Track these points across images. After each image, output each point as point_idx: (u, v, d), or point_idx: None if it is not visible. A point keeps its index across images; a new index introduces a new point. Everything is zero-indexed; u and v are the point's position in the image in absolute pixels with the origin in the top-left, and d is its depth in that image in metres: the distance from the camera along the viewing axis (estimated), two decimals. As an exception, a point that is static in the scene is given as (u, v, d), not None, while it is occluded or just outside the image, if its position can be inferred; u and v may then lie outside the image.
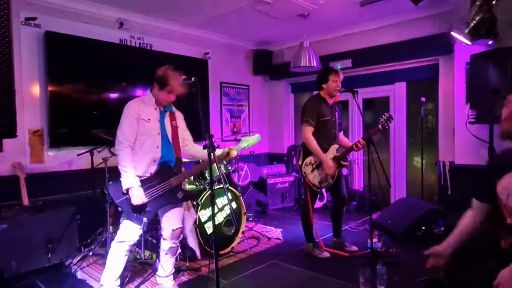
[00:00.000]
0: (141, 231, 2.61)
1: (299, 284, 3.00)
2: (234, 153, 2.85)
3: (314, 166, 3.42)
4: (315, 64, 4.88)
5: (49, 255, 3.31)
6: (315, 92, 4.59)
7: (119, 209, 2.60)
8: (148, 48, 4.91)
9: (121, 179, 2.48)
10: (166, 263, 2.79)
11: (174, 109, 2.82)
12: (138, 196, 2.46)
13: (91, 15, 4.30)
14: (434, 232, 3.91)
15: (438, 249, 1.81)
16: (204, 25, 5.23)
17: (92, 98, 4.31)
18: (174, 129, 2.75)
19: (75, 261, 3.41)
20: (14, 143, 3.74)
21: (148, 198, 2.51)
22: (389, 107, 5.33)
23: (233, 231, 3.73)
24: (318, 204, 5.31)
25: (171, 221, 2.71)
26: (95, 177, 3.88)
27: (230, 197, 3.78)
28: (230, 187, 3.87)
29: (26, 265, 3.17)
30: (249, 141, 2.87)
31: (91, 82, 4.30)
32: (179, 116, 2.87)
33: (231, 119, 6.12)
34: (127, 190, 2.46)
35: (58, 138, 4.02)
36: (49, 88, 3.94)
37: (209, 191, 3.55)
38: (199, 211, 3.46)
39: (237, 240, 3.78)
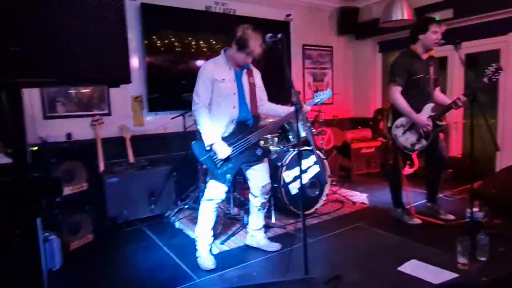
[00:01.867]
0: (226, 189, 2.70)
1: (387, 248, 2.91)
2: (307, 108, 2.80)
3: (405, 128, 3.17)
4: (408, 17, 4.41)
5: (152, 206, 3.75)
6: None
7: (204, 166, 2.70)
8: (232, 13, 4.96)
9: (202, 137, 2.54)
10: (258, 218, 2.93)
11: (251, 66, 2.77)
12: (222, 150, 2.50)
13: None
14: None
15: None
16: (286, -15, 5.06)
17: (181, 67, 4.56)
18: (252, 86, 2.72)
19: (173, 213, 3.81)
20: (120, 108, 4.21)
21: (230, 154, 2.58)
22: (500, 62, 4.61)
23: (317, 193, 3.73)
24: (407, 170, 4.98)
25: (258, 178, 2.80)
26: (187, 139, 4.19)
27: (315, 160, 3.75)
28: (313, 150, 3.82)
29: (134, 213, 3.64)
30: (321, 96, 2.80)
31: (181, 52, 4.54)
32: (256, 73, 2.82)
33: (313, 83, 5.96)
34: (210, 146, 2.52)
35: (154, 104, 4.40)
36: (146, 59, 4.28)
37: (293, 153, 3.58)
38: (284, 172, 3.52)
39: (322, 202, 3.77)
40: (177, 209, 3.85)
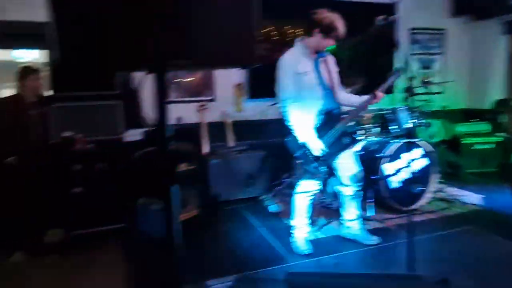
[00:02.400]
0: (319, 181, 2.69)
1: (509, 256, 2.55)
2: (380, 94, 2.60)
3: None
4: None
5: (249, 188, 3.94)
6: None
7: (299, 161, 2.65)
8: (334, -2, 4.80)
9: (295, 133, 2.54)
10: (351, 207, 2.85)
11: (325, 52, 2.65)
12: (316, 146, 2.51)
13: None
14: None
15: None
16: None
17: (278, 56, 4.59)
18: (330, 74, 2.65)
19: (268, 197, 3.93)
20: (223, 95, 4.48)
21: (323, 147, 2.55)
22: None
23: (420, 189, 3.45)
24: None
25: (347, 166, 2.73)
26: (283, 127, 4.25)
27: (421, 153, 3.47)
28: (420, 142, 3.54)
29: (232, 194, 3.88)
30: (392, 78, 2.63)
31: (278, 41, 4.59)
32: (331, 59, 2.73)
33: (421, 70, 5.46)
34: (304, 143, 2.52)
35: (255, 91, 4.56)
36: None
37: (396, 144, 3.36)
38: (384, 164, 3.33)
39: (426, 199, 3.48)
40: (272, 193, 3.97)
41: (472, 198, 3.81)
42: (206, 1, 0.94)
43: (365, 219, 3.23)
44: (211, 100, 4.42)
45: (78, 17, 0.82)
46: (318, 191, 2.78)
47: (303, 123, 2.52)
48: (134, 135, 3.45)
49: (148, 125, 3.79)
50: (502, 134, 4.82)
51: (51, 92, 3.42)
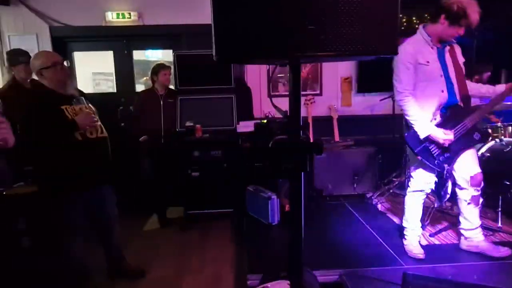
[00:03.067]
0: (435, 179, 2.48)
1: None
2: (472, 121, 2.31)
3: None
4: None
5: (355, 185, 3.84)
6: None
7: (419, 158, 2.44)
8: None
9: (415, 129, 2.36)
10: (469, 214, 2.53)
11: (452, 40, 2.38)
12: (442, 136, 2.31)
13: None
14: None
15: None
16: None
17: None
18: (457, 64, 2.39)
19: (375, 195, 3.78)
20: (330, 89, 4.43)
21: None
22: None
23: None
24: None
25: (467, 166, 2.41)
26: (395, 123, 4.01)
27: None
28: None
29: (338, 189, 3.84)
30: None
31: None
32: (457, 49, 2.45)
33: None
34: (426, 137, 2.35)
35: (363, 85, 4.40)
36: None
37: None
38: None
39: None
40: (379, 192, 3.80)
41: None
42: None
43: (491, 229, 2.86)
44: (317, 94, 4.42)
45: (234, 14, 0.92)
46: (430, 191, 2.59)
47: (423, 116, 2.36)
48: (245, 126, 3.66)
49: (259, 118, 3.99)
50: None
51: (176, 86, 3.86)
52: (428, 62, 2.35)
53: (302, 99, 4.26)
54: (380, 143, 4.13)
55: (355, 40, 0.95)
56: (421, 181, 2.55)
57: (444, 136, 2.32)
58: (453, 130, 2.36)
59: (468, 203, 2.51)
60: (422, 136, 2.36)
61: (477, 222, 2.54)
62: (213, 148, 3.60)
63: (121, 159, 2.87)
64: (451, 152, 2.40)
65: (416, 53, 2.35)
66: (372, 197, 3.75)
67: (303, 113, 4.36)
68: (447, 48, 2.41)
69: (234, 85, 3.89)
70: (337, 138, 4.16)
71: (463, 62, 2.48)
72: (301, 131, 1.25)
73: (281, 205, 3.27)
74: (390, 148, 4.04)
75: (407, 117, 2.41)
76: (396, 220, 3.21)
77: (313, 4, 0.94)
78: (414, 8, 4.28)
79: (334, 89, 4.46)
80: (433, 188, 2.59)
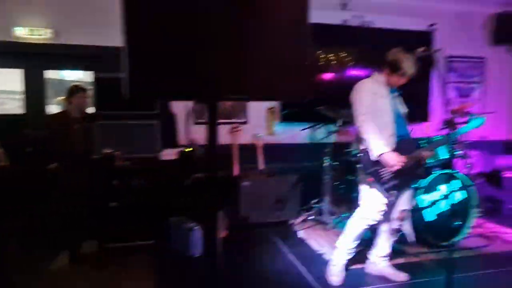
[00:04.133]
0: (385, 209, 2.52)
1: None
2: (426, 154, 2.58)
3: None
4: None
5: (278, 212, 3.93)
6: None
7: (369, 179, 2.49)
8: (368, 26, 4.85)
9: (370, 146, 2.44)
10: (385, 243, 2.73)
11: (396, 90, 2.68)
12: (393, 159, 2.38)
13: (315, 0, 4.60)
14: None
15: None
16: (432, -8, 4.70)
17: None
18: (402, 109, 2.68)
19: (296, 222, 3.90)
20: (255, 118, 4.56)
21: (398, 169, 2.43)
22: None
23: (458, 223, 3.31)
24: None
25: (401, 201, 2.63)
26: (315, 151, 4.26)
27: (459, 186, 3.35)
28: (458, 174, 3.42)
29: (262, 217, 3.88)
30: (470, 125, 2.61)
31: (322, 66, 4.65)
32: (401, 100, 2.73)
33: (458, 99, 5.32)
34: (379, 156, 2.41)
35: (287, 115, 4.61)
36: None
37: (432, 175, 3.27)
38: (420, 195, 3.23)
39: (464, 235, 3.33)
40: (300, 219, 3.93)
41: (515, 236, 3.60)
42: (262, 34, 0.99)
43: (398, 252, 3.12)
44: (243, 123, 4.50)
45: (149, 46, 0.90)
46: (377, 220, 2.58)
47: (380, 136, 2.44)
48: (169, 154, 3.56)
49: (183, 145, 3.90)
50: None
51: (94, 110, 3.62)
52: (382, 95, 2.57)
53: (228, 127, 4.35)
54: (302, 171, 4.33)
55: (270, 84, 0.99)
56: (372, 209, 2.55)
57: (396, 160, 2.39)
58: (405, 156, 2.46)
59: (388, 234, 2.70)
60: (376, 153, 2.41)
61: (388, 251, 2.75)
62: (134, 176, 3.41)
63: (26, 189, 2.56)
64: (399, 180, 2.48)
65: (373, 86, 2.58)
66: (294, 224, 3.87)
67: (229, 141, 4.42)
68: (394, 94, 2.67)
69: (158, 110, 3.78)
70: (261, 166, 4.25)
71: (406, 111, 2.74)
72: (223, 165, 1.23)
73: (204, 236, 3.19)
74: (311, 176, 4.25)
75: (366, 136, 2.46)
76: (315, 246, 3.34)
77: (227, 48, 0.96)
78: (331, 47, 4.69)
79: (260, 118, 4.59)
80: (381, 218, 2.59)
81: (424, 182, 3.23)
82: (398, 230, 2.73)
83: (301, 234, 3.69)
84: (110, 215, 3.33)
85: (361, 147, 2.58)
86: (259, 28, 0.99)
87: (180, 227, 3.16)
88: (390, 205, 2.55)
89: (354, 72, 4.75)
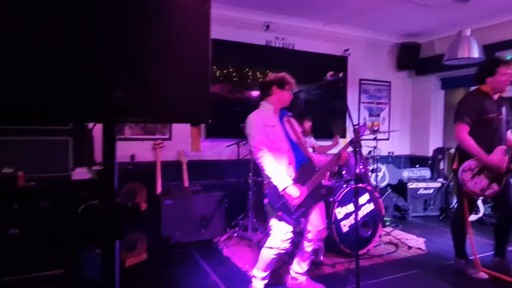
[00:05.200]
0: (292, 236, 2.59)
1: (447, 303, 2.68)
2: (345, 154, 2.72)
3: (475, 172, 2.96)
4: (477, 55, 4.22)
5: (202, 231, 3.84)
6: (471, 88, 3.98)
7: (279, 213, 2.51)
8: (290, 47, 5.12)
9: (274, 182, 2.48)
10: (304, 262, 2.80)
11: (288, 113, 2.83)
12: (296, 193, 2.47)
13: (243, 20, 4.74)
14: None
15: None
16: (345, 21, 5.15)
17: (237, 96, 4.77)
18: (295, 131, 2.78)
19: (222, 239, 3.86)
20: (180, 134, 4.46)
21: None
22: None
23: (369, 233, 3.58)
24: (472, 217, 4.60)
25: (316, 221, 2.70)
26: (240, 167, 4.30)
27: (369, 198, 3.63)
28: (368, 187, 3.72)
29: (186, 236, 3.76)
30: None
31: (237, 83, 4.75)
32: (293, 121, 2.86)
33: (369, 118, 5.86)
34: (284, 190, 2.47)
35: (212, 131, 4.60)
36: (207, 87, 4.54)
37: (346, 189, 3.50)
38: (335, 208, 3.44)
39: (374, 242, 3.60)
40: (226, 236, 3.90)
41: (417, 242, 4.00)
42: (162, 52, 0.96)
43: (316, 264, 3.26)
44: (167, 139, 4.38)
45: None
46: (288, 248, 2.63)
47: (281, 170, 2.51)
48: (82, 173, 3.28)
49: (100, 163, 3.64)
50: (441, 180, 5.21)
51: (-7, 125, 3.20)
52: (273, 125, 2.64)
53: (151, 143, 4.19)
54: (228, 187, 4.33)
55: (171, 105, 0.97)
56: (279, 239, 2.57)
57: (297, 193, 2.48)
58: (305, 186, 2.57)
59: (308, 254, 2.77)
60: (281, 188, 2.46)
61: (307, 268, 2.84)
62: (40, 199, 3.06)
63: None
64: (305, 206, 2.57)
65: (264, 118, 2.64)
66: (219, 242, 3.82)
67: (152, 157, 4.24)
68: (285, 118, 2.77)
69: (71, 125, 3.49)
70: (186, 183, 4.15)
71: (300, 131, 2.87)
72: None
73: (121, 260, 2.98)
74: (236, 192, 4.28)
75: (267, 172, 2.50)
76: (239, 264, 3.33)
77: (119, 67, 0.92)
78: (256, 66, 4.84)
79: (184, 134, 4.51)
80: (289, 247, 2.64)
81: (338, 196, 3.45)
82: (317, 250, 2.80)
83: (225, 252, 3.66)
84: (11, 243, 2.93)
85: (265, 182, 2.62)
86: (159, 46, 0.96)
87: (91, 253, 2.90)
88: (300, 231, 2.63)
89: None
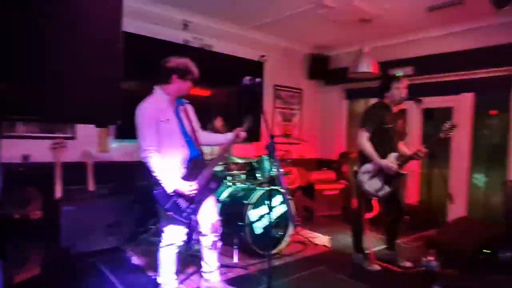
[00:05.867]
0: (186, 230, 2.58)
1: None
2: (242, 133, 2.74)
3: (371, 174, 3.32)
4: (374, 70, 4.75)
5: (109, 238, 3.56)
6: (371, 99, 4.44)
7: (169, 213, 2.46)
8: (208, 49, 5.08)
9: (162, 185, 2.41)
10: (209, 258, 2.79)
11: (184, 100, 2.71)
12: (186, 188, 2.43)
13: (160, 16, 4.55)
14: (499, 258, 3.61)
15: None
16: (263, 28, 5.32)
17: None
18: (190, 122, 2.69)
19: (130, 247, 3.62)
20: (86, 133, 4.07)
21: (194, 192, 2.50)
22: (452, 119, 5.02)
23: (281, 233, 3.73)
24: (368, 214, 5.13)
25: (207, 215, 2.69)
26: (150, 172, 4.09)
27: (281, 200, 3.79)
28: (281, 189, 3.87)
29: (89, 245, 3.43)
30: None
31: (153, 81, 4.53)
32: (190, 108, 2.77)
33: (283, 122, 6.14)
34: (174, 191, 2.44)
35: (123, 131, 4.30)
36: (118, 84, 4.23)
37: (260, 191, 3.60)
38: (249, 210, 3.51)
39: (285, 243, 3.77)
40: (135, 243, 3.68)
41: (323, 239, 4.31)
42: (67, 47, 0.86)
43: (229, 266, 3.27)
44: (70, 138, 3.96)
45: None
46: (183, 242, 2.63)
47: (168, 171, 2.43)
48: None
49: None
50: (343, 181, 5.71)
51: None
52: (168, 119, 2.50)
53: (50, 142, 3.73)
54: (138, 191, 4.08)
55: (69, 104, 0.86)
56: (173, 235, 2.56)
57: (189, 188, 2.46)
58: (196, 181, 2.54)
59: (209, 248, 2.76)
60: (169, 190, 2.42)
61: (215, 265, 2.83)
62: None
63: None
64: (196, 202, 2.58)
65: (157, 111, 2.46)
66: (127, 250, 3.58)
67: (51, 158, 3.79)
68: (181, 107, 2.66)
69: None
70: (91, 187, 3.80)
71: (196, 119, 2.79)
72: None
73: (8, 278, 2.58)
74: (147, 195, 4.04)
75: (154, 174, 2.42)
76: (150, 272, 3.17)
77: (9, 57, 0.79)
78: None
79: (91, 133, 4.13)
80: (185, 239, 2.63)
81: (252, 199, 3.52)
82: (216, 243, 2.79)
83: (135, 260, 3.44)
84: None
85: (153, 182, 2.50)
86: (64, 41, 0.85)
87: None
88: (193, 225, 2.61)
89: (194, 92, 4.85)
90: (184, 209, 2.51)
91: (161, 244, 2.62)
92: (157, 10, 4.50)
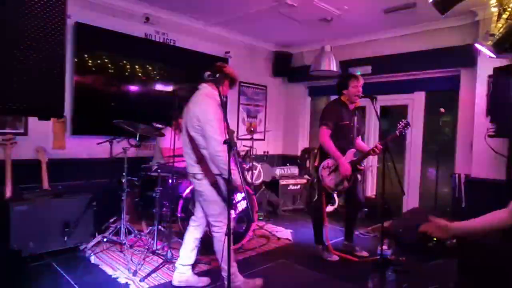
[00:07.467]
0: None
1: (309, 285, 3.03)
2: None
3: (331, 170, 3.44)
4: (335, 69, 4.90)
5: (65, 238, 3.42)
6: (332, 97, 4.56)
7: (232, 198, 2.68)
8: (172, 43, 5.00)
9: (232, 177, 2.38)
10: (192, 252, 2.88)
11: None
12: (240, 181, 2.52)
13: (119, 8, 4.41)
14: (446, 244, 3.87)
15: (447, 223, 1.68)
16: (227, 24, 5.31)
17: (113, 90, 4.42)
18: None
19: (89, 246, 3.51)
20: (39, 128, 3.87)
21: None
22: (407, 116, 5.30)
23: (244, 228, 3.77)
24: (329, 208, 5.31)
25: (199, 210, 2.90)
26: (113, 167, 3.98)
27: (243, 195, 3.82)
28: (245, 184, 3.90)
29: (43, 246, 3.28)
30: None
31: (113, 75, 4.41)
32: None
33: (247, 118, 6.18)
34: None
35: (80, 126, 4.14)
36: (75, 78, 4.06)
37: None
38: (212, 206, 3.51)
39: (247, 237, 3.81)
40: (94, 242, 3.56)
41: (285, 233, 4.41)
42: (4, 44, 0.82)
43: (199, 261, 3.27)
44: (21, 134, 3.75)
45: None
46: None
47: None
48: None
49: None
50: (306, 176, 5.86)
51: None
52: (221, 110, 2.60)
53: (-1, 138, 3.52)
54: (97, 188, 3.95)
55: (14, 98, 0.83)
56: (222, 221, 2.69)
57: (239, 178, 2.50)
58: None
59: (198, 243, 2.89)
60: (238, 182, 2.51)
61: (193, 258, 2.91)
62: None
63: None
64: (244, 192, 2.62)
65: (217, 104, 2.62)
66: (86, 249, 3.47)
67: (1, 155, 3.59)
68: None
69: None
70: (46, 185, 3.64)
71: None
72: None
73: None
74: (108, 193, 3.94)
75: (223, 166, 2.46)
76: (109, 271, 3.09)
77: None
78: (135, 59, 4.56)
79: (44, 129, 3.93)
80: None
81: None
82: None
83: (93, 259, 3.34)
84: None
85: (202, 171, 2.62)
86: (5, 31, 0.82)
87: None
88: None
89: (158, 87, 4.77)
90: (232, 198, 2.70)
91: (221, 233, 2.70)
92: (116, 1, 4.36)
